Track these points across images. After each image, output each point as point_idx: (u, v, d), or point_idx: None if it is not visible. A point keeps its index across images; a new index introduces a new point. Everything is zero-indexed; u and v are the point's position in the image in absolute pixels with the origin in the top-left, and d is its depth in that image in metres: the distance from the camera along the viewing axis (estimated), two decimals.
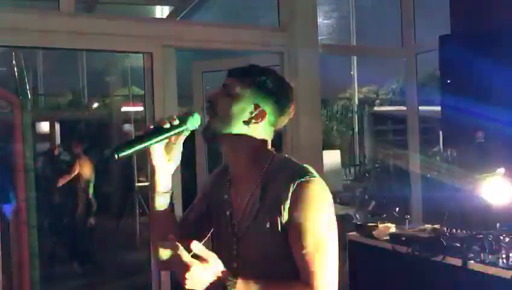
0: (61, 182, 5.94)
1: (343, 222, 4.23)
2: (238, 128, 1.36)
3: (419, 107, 4.05)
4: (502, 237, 2.55)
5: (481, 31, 2.88)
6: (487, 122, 2.74)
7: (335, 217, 1.35)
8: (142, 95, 5.35)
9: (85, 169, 5.97)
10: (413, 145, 4.02)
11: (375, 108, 9.04)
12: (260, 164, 1.39)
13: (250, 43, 3.64)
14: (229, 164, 1.46)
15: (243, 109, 1.36)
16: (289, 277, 1.31)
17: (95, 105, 9.35)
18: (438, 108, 3.11)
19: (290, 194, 1.30)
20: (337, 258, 1.33)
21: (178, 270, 1.19)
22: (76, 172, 5.88)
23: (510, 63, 2.63)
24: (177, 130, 1.32)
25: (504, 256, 2.48)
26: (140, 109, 7.89)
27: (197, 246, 1.19)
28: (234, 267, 1.35)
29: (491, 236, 2.49)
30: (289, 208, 1.30)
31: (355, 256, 3.36)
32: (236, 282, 1.21)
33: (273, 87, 1.39)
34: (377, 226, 3.25)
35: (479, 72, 2.72)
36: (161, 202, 1.38)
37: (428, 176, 4.31)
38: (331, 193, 1.38)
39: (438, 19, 3.89)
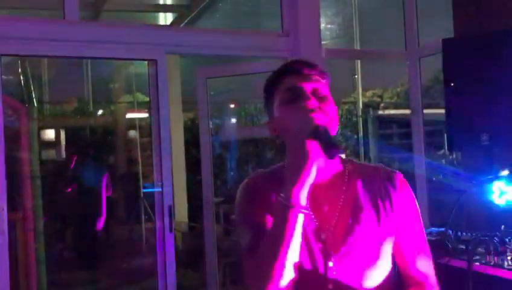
0: (66, 188, 5.98)
1: None
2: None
3: (424, 110, 4.05)
4: (507, 239, 2.56)
5: (484, 33, 2.88)
6: (492, 124, 2.74)
7: None
8: (146, 101, 5.38)
9: (91, 176, 6.00)
10: (418, 148, 4.01)
11: (380, 112, 9.04)
12: (338, 168, 1.27)
13: (254, 48, 3.67)
14: None
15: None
16: None
17: (100, 112, 9.40)
18: (443, 111, 3.11)
19: (392, 192, 1.24)
20: None
21: None
22: (81, 178, 5.92)
23: None
24: None
25: (509, 258, 2.48)
26: (145, 115, 7.92)
27: None
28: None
29: (496, 238, 2.49)
30: (395, 206, 1.23)
31: None
32: None
33: None
34: None
35: (483, 75, 2.72)
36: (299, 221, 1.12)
37: (434, 179, 4.29)
38: None
39: (444, 22, 3.89)
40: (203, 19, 5.99)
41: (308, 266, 1.19)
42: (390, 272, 1.23)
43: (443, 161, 6.24)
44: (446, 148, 3.49)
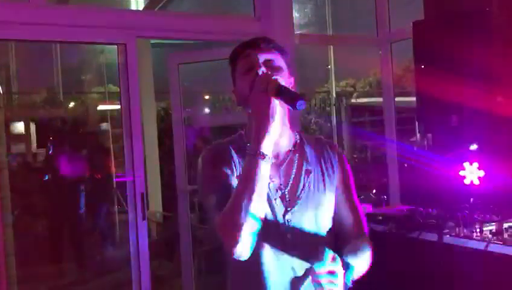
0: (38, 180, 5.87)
1: None
2: None
3: (397, 98, 4.09)
4: (475, 211, 2.61)
5: (454, 14, 2.89)
6: (461, 106, 2.77)
7: None
8: (118, 92, 5.26)
9: (62, 168, 5.90)
10: (390, 135, 4.06)
11: (353, 100, 9.14)
12: (289, 134, 1.44)
13: (226, 33, 3.62)
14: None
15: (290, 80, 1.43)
16: (332, 240, 1.41)
17: (72, 104, 9.22)
18: (415, 99, 3.12)
19: (332, 156, 1.47)
20: None
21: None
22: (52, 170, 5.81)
23: (483, 46, 2.66)
24: None
25: (478, 229, 2.54)
26: (117, 106, 7.78)
27: None
28: (288, 239, 1.35)
29: (466, 211, 2.54)
30: (337, 169, 1.46)
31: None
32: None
33: None
34: None
35: (453, 56, 2.74)
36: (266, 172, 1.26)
37: (406, 165, 4.35)
38: None
39: (415, 7, 3.92)
40: (174, 3, 5.90)
41: (269, 219, 1.35)
42: (333, 219, 1.45)
43: (414, 147, 6.34)
44: (417, 131, 3.53)
